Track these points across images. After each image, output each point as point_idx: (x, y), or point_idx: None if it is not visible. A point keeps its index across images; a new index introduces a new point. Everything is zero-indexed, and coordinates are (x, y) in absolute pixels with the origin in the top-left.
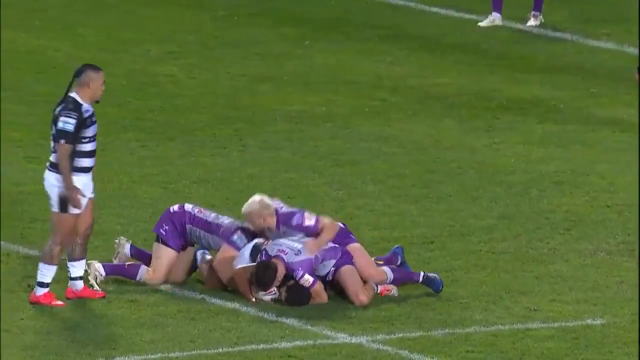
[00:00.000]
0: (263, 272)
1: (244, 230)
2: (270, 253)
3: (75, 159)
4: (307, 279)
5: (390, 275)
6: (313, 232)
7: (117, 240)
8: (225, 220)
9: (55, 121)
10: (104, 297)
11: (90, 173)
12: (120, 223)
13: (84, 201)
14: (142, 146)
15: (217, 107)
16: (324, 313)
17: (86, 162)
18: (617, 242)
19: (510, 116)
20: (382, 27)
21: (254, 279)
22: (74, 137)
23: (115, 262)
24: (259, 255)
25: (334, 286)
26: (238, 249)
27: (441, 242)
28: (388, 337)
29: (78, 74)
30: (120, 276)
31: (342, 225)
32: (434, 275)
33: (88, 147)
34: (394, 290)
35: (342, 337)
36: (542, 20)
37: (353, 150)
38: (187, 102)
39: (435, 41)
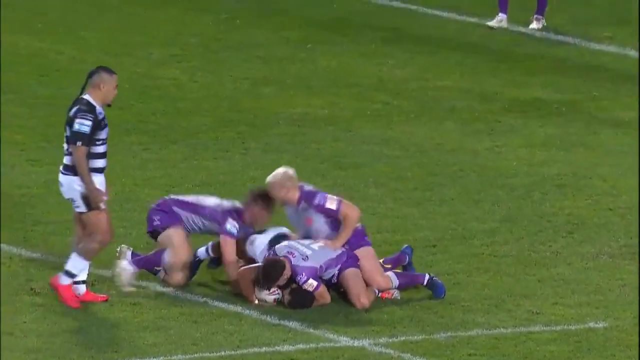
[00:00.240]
0: (271, 267)
1: (232, 214)
2: (278, 253)
3: (90, 160)
4: (311, 283)
5: (396, 282)
6: (332, 216)
7: (118, 249)
8: (207, 200)
9: (70, 123)
10: (106, 300)
11: (103, 174)
12: (123, 226)
13: (104, 201)
14: (145, 149)
15: (219, 110)
16: (326, 316)
17: (100, 162)
18: (620, 245)
19: (512, 119)
20: (384, 30)
21: (259, 275)
22: (90, 139)
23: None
24: (269, 252)
25: (337, 288)
26: (235, 237)
27: (443, 245)
28: (390, 340)
29: (91, 75)
30: (147, 269)
31: (359, 226)
32: (440, 282)
33: (101, 149)
34: (395, 293)
35: (345, 341)
36: (545, 24)
37: (355, 153)
38: (189, 105)
39: (437, 44)
